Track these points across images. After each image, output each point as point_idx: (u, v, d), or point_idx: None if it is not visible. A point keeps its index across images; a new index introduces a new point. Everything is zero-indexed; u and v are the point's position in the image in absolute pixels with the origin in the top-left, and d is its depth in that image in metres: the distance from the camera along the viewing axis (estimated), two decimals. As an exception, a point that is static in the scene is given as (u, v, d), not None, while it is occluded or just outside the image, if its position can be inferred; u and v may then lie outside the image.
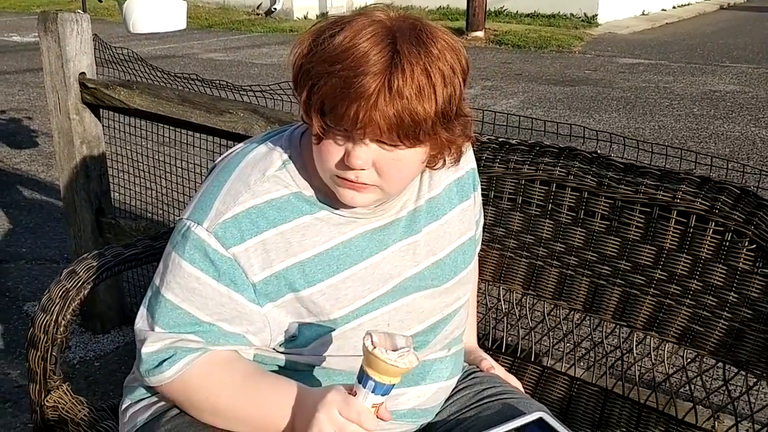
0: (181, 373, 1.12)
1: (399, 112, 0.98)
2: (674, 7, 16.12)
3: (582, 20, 13.25)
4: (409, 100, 0.98)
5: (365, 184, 1.06)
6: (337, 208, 1.14)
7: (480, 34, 11.37)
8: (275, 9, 14.37)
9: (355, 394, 1.01)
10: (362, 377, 1.00)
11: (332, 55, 0.99)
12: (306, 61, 1.03)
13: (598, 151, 1.51)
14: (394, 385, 1.00)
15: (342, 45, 0.99)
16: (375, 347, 0.97)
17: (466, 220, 1.29)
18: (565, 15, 13.55)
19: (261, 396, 1.11)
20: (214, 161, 1.25)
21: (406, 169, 1.07)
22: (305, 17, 14.26)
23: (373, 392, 0.99)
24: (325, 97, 1.00)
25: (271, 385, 1.12)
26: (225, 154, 1.23)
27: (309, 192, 1.14)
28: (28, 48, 9.94)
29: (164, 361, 1.12)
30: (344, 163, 1.04)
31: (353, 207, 1.11)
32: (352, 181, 1.05)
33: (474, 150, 1.57)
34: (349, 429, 1.00)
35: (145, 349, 1.13)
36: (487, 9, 11.90)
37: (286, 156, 1.15)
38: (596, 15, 13.32)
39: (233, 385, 1.12)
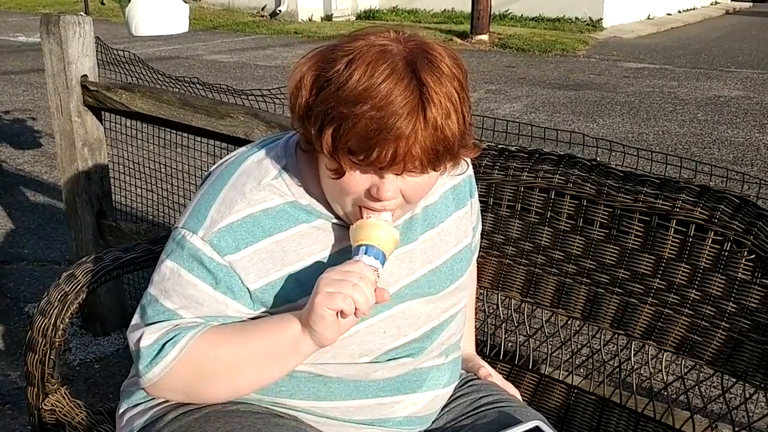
0: (185, 349, 1.09)
1: (435, 143, 1.00)
2: (680, 12, 16.11)
3: (587, 24, 13.25)
4: (442, 129, 0.99)
5: (391, 210, 1.07)
6: (334, 217, 1.14)
7: (484, 37, 11.37)
8: (280, 11, 14.39)
9: None
10: (353, 251, 1.06)
11: (354, 95, 0.98)
12: (320, 100, 1.01)
13: (598, 159, 1.51)
14: (385, 255, 1.06)
15: (361, 83, 0.98)
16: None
17: (462, 228, 1.29)
18: (569, 19, 13.55)
19: (265, 325, 1.10)
20: (214, 164, 1.25)
21: (429, 187, 1.10)
22: (310, 19, 14.28)
23: (366, 254, 1.05)
24: (356, 139, 0.99)
25: (269, 317, 1.12)
26: (220, 162, 1.23)
27: (305, 201, 1.14)
28: (34, 48, 9.97)
29: (166, 343, 1.10)
30: (372, 196, 1.04)
31: None
32: (377, 210, 1.06)
33: (473, 157, 1.57)
34: (352, 276, 1.02)
35: (143, 343, 1.11)
36: (492, 12, 11.91)
37: (281, 165, 1.15)
38: (601, 19, 13.32)
39: (236, 331, 1.11)
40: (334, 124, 1.00)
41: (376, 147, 0.98)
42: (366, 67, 0.98)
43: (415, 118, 0.98)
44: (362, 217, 1.08)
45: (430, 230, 1.23)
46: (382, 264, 1.06)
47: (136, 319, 1.15)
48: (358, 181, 1.04)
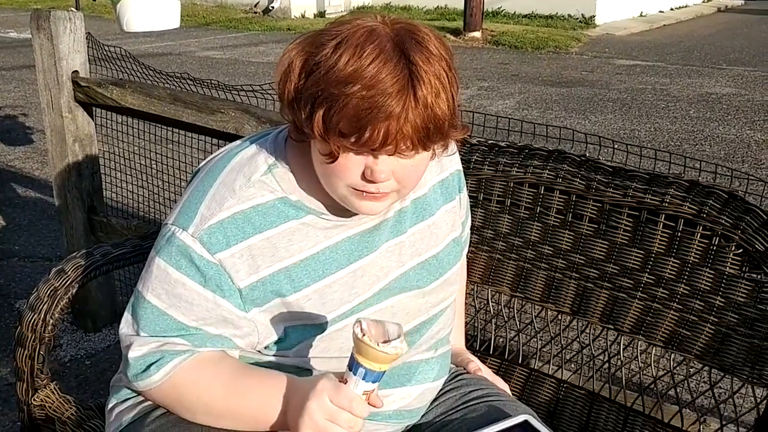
0: (170, 376, 1.11)
1: (425, 122, 0.99)
2: (672, 9, 16.15)
3: (579, 21, 13.27)
4: (432, 107, 0.99)
5: (385, 193, 1.07)
6: (324, 213, 1.14)
7: (477, 34, 11.37)
8: (273, 7, 14.36)
9: (345, 382, 1.01)
10: (353, 365, 1.00)
11: (343, 76, 0.98)
12: (309, 83, 1.01)
13: (587, 155, 1.51)
14: (384, 371, 1.00)
15: (350, 64, 0.98)
16: (364, 335, 0.97)
17: (450, 221, 1.29)
18: (562, 16, 13.56)
19: (252, 390, 1.10)
20: (204, 160, 1.25)
21: (421, 169, 1.09)
22: (303, 15, 14.26)
23: (363, 379, 0.99)
24: (347, 119, 0.98)
25: (261, 378, 1.12)
26: (209, 158, 1.22)
27: (295, 196, 1.13)
28: (25, 44, 9.93)
29: (152, 365, 1.11)
30: (366, 178, 1.04)
31: (371, 215, 1.12)
32: (372, 193, 1.06)
33: (464, 152, 1.58)
34: (340, 416, 1.00)
35: (132, 354, 1.12)
36: (485, 9, 11.91)
37: (271, 160, 1.14)
38: (594, 16, 13.34)
39: (223, 382, 1.11)
40: (324, 106, 0.99)
41: (367, 127, 0.98)
42: (354, 49, 0.98)
43: (405, 97, 0.98)
44: (358, 200, 1.07)
45: (419, 223, 1.24)
46: (380, 380, 1.02)
47: (127, 318, 1.16)
48: (351, 164, 1.03)
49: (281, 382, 1.10)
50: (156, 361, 1.11)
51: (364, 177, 1.04)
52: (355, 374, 1.00)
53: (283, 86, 1.05)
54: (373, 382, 1.00)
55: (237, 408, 1.11)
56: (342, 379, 1.02)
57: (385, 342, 0.98)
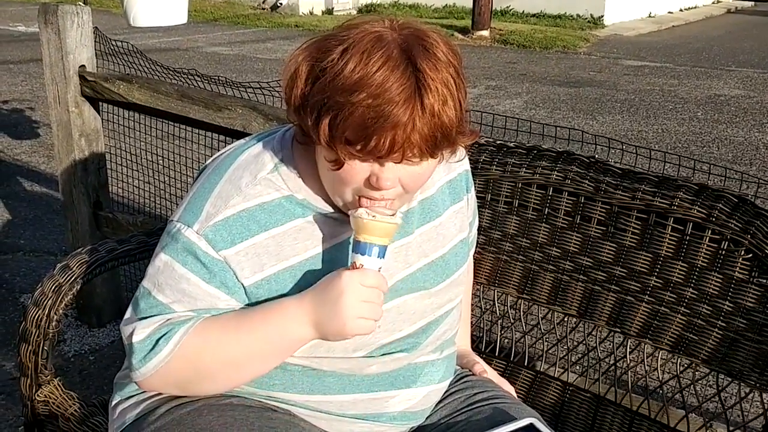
0: (179, 345, 1.08)
1: (433, 130, 0.99)
2: (681, 10, 16.09)
3: (588, 21, 13.23)
4: (439, 116, 0.98)
5: (390, 200, 1.06)
6: (330, 212, 1.13)
7: (485, 33, 11.35)
8: (281, 4, 14.37)
9: (355, 265, 1.06)
10: (362, 247, 1.06)
11: (349, 84, 0.97)
12: (316, 90, 1.00)
13: (596, 156, 1.50)
14: (387, 246, 1.08)
15: (356, 71, 0.97)
16: (368, 215, 1.04)
17: (458, 222, 1.28)
18: (571, 16, 13.53)
19: (262, 325, 1.08)
20: (211, 157, 1.24)
21: (428, 175, 1.09)
22: (311, 12, 14.26)
23: (379, 257, 1.07)
24: (353, 128, 0.98)
25: (265, 310, 1.10)
26: (215, 156, 1.22)
27: (301, 195, 1.13)
28: (33, 38, 9.91)
29: (159, 339, 1.08)
30: (371, 185, 1.03)
31: None
32: (376, 200, 1.05)
33: (472, 152, 1.57)
34: (373, 295, 1.06)
35: (136, 338, 1.09)
36: (493, 8, 11.88)
37: (277, 159, 1.14)
38: (602, 16, 13.31)
39: (232, 327, 1.09)
40: (330, 114, 0.99)
41: (374, 135, 0.97)
42: (361, 55, 0.97)
43: (412, 105, 0.97)
44: (361, 206, 1.06)
45: (427, 224, 1.23)
46: (384, 255, 1.09)
47: (129, 313, 1.14)
48: (357, 171, 1.03)
49: (287, 303, 1.09)
50: (164, 335, 1.08)
51: (369, 183, 1.03)
52: (370, 255, 1.06)
53: (289, 92, 1.05)
54: (380, 257, 1.07)
55: (258, 347, 1.08)
56: (353, 267, 1.06)
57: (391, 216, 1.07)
